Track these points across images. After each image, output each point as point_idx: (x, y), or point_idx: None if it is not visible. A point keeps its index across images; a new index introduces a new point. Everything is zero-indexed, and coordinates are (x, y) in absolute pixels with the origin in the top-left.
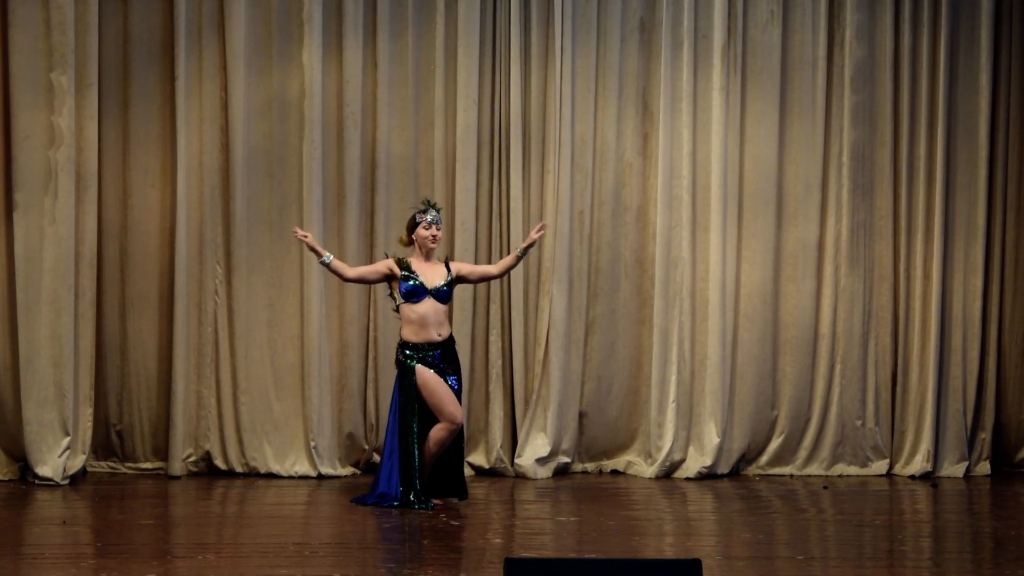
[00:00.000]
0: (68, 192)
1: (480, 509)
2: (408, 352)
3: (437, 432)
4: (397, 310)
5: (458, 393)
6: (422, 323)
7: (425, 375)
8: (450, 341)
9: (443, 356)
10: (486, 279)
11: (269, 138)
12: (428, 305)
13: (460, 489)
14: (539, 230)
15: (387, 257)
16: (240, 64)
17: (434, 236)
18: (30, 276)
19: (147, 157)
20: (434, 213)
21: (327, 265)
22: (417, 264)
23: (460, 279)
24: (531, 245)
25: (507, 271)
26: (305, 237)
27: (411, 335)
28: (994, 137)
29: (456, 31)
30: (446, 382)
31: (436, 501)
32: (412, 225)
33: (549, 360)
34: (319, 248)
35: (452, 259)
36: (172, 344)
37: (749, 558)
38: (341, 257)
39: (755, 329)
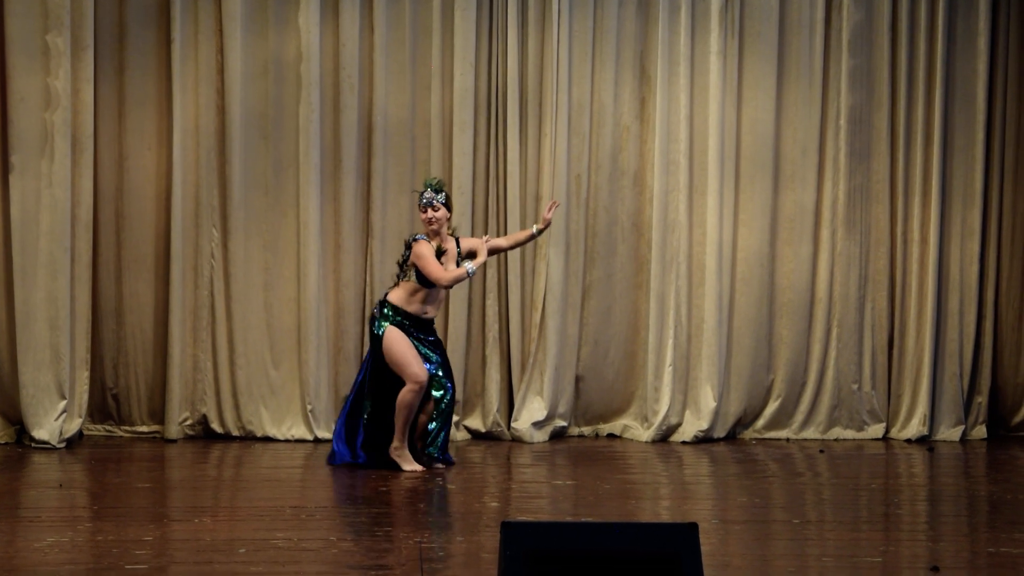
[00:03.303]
0: (64, 155)
1: (476, 473)
2: (387, 312)
3: (403, 395)
4: (400, 278)
5: (445, 366)
6: (424, 300)
7: (394, 335)
8: (432, 322)
9: (421, 331)
10: (496, 252)
11: (265, 101)
12: (438, 291)
13: (436, 442)
14: (551, 209)
15: (416, 241)
16: (236, 27)
17: (430, 219)
18: (26, 239)
19: (143, 120)
20: (430, 194)
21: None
22: (437, 244)
23: (470, 255)
24: (547, 226)
25: (517, 245)
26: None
27: (403, 303)
28: (992, 101)
29: None
30: (423, 354)
31: (418, 468)
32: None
33: (546, 324)
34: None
35: (463, 239)
36: (168, 307)
37: (745, 522)
38: (337, 222)
39: (752, 293)
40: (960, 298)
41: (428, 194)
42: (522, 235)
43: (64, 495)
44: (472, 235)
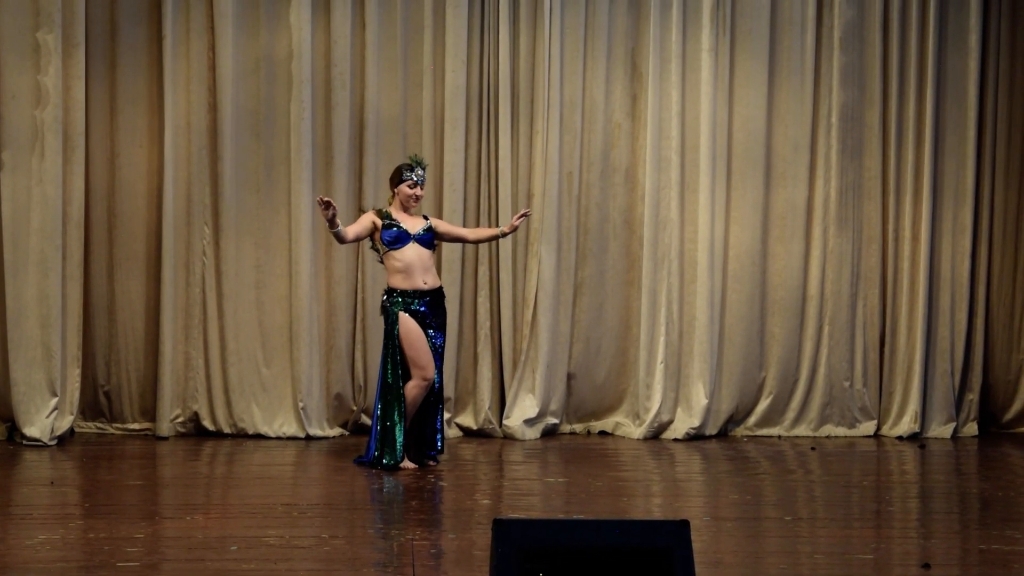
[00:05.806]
0: (55, 152)
1: (468, 470)
2: (393, 299)
3: (410, 390)
4: (382, 262)
5: (441, 350)
6: (408, 271)
7: (408, 324)
8: (439, 293)
9: (431, 308)
10: (459, 241)
11: (257, 98)
12: (412, 251)
13: (434, 444)
14: (520, 217)
15: (365, 212)
16: (228, 24)
17: (416, 196)
18: (17, 237)
19: (134, 117)
20: (420, 173)
21: (337, 234)
22: (398, 214)
23: (438, 234)
24: (513, 230)
25: (481, 241)
26: (328, 209)
27: (398, 283)
28: (983, 98)
29: None
30: (428, 336)
31: (410, 465)
32: (397, 178)
33: (537, 321)
34: (337, 220)
35: (431, 217)
36: (160, 305)
37: (737, 519)
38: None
39: (743, 290)
40: (951, 295)
41: (420, 172)
42: (487, 232)
43: (55, 492)
44: (463, 225)
